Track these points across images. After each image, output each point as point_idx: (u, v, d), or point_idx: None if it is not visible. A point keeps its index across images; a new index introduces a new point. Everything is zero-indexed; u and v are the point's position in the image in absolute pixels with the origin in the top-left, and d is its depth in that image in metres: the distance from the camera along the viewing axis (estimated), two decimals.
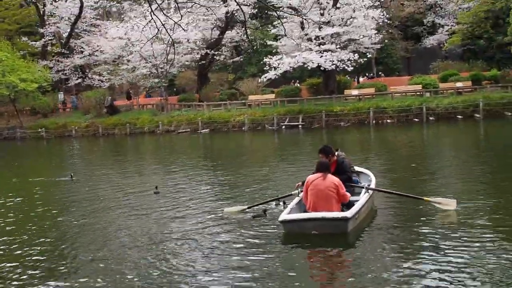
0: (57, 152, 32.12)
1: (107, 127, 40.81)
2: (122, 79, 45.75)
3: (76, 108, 47.66)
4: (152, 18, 9.01)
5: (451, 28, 46.23)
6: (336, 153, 10.53)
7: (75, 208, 12.50)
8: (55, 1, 46.95)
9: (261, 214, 10.32)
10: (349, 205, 9.26)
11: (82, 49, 47.32)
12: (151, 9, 9.01)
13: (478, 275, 6.67)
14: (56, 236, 9.87)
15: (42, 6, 47.70)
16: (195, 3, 33.67)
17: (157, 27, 9.63)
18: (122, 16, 49.27)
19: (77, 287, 7.09)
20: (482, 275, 6.66)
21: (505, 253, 7.34)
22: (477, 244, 7.76)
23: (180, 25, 9.79)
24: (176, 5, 10.33)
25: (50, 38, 49.00)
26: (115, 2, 49.46)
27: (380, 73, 47.52)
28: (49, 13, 48.83)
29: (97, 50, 45.48)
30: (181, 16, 9.99)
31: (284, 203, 10.89)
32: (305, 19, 23.40)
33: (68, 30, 48.16)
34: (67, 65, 47.91)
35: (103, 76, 46.12)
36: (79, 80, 48.42)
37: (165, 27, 9.32)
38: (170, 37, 9.96)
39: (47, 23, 48.31)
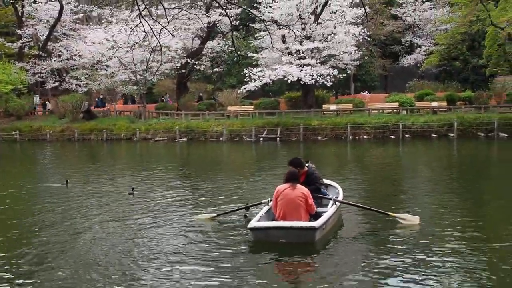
0: (30, 156, 31.74)
1: (83, 132, 40.47)
2: (100, 85, 45.47)
3: (51, 112, 47.27)
4: (140, 22, 9.09)
5: (428, 48, 47.00)
6: (306, 165, 10.70)
7: (41, 215, 12.39)
8: (35, 3, 46.60)
9: (250, 219, 10.50)
10: (316, 216, 9.41)
11: (60, 53, 46.94)
12: (140, 13, 9.09)
13: (438, 285, 6.88)
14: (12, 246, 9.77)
15: (20, 7, 47.22)
16: (182, 9, 33.79)
17: (144, 31, 9.72)
18: (103, 21, 49.07)
19: None
20: (443, 285, 6.86)
21: (466, 266, 7.64)
22: (437, 258, 8.02)
23: (168, 30, 9.92)
24: (164, 12, 10.39)
25: (27, 40, 48.50)
26: (95, 7, 49.15)
27: (364, 91, 48.02)
28: (28, 15, 48.40)
29: (75, 54, 45.14)
30: (168, 22, 10.07)
31: (246, 214, 11.11)
32: (292, 30, 23.60)
33: (47, 32, 47.78)
34: (44, 68, 47.42)
35: (81, 81, 45.75)
36: (56, 84, 47.99)
37: (153, 32, 9.42)
38: (159, 42, 10.11)
39: (25, 24, 47.85)
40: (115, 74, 42.79)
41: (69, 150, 33.76)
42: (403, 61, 50.43)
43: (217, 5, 42.16)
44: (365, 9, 22.26)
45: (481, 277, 7.24)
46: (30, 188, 16.84)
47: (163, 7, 9.73)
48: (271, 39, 13.92)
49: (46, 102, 50.42)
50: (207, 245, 8.97)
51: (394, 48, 51.08)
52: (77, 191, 15.48)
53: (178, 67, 42.63)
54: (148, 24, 8.24)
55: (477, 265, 7.73)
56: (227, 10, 37.88)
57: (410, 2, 48.02)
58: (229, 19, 15.21)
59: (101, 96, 47.39)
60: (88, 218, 11.46)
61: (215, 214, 11.11)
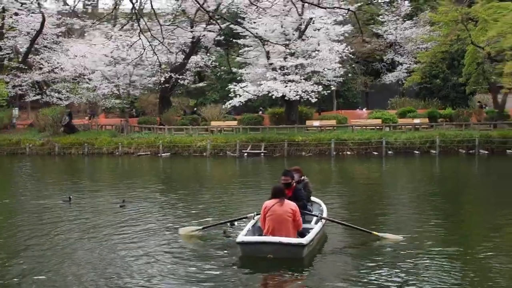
0: (7, 170, 31.27)
1: (63, 146, 39.93)
2: (82, 98, 45.08)
3: (31, 125, 46.66)
4: (139, 38, 9.10)
5: (409, 66, 47.53)
6: (302, 177, 11.09)
7: (21, 229, 12.19)
8: (16, 15, 46.13)
9: (228, 235, 10.45)
10: (301, 232, 9.48)
11: (41, 66, 46.47)
12: (140, 29, 9.08)
13: None
14: None
15: (1, 19, 46.72)
16: (177, 26, 33.71)
17: (143, 47, 9.72)
18: (86, 34, 48.79)
19: None
20: None
21: (447, 282, 7.85)
22: (420, 274, 8.19)
23: (165, 45, 10.05)
24: (160, 28, 10.38)
25: (7, 52, 47.99)
26: (77, 19, 48.75)
27: (359, 107, 48.38)
28: (9, 26, 47.92)
29: (57, 67, 44.73)
30: (163, 38, 10.09)
31: (233, 225, 11.25)
32: (282, 45, 23.84)
33: (27, 45, 47.31)
34: (24, 81, 46.86)
35: (62, 94, 45.30)
36: (38, 97, 47.43)
37: (152, 48, 9.41)
38: (157, 58, 10.17)
39: (6, 36, 47.36)
40: (98, 87, 42.49)
41: (50, 164, 33.35)
42: (384, 78, 50.89)
43: (201, 21, 42.43)
44: (359, 23, 22.31)
45: (462, 285, 7.61)
46: (10, 203, 16.58)
47: (159, 23, 9.68)
48: (267, 53, 13.76)
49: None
50: (192, 260, 8.95)
51: (376, 66, 51.57)
52: (58, 205, 15.26)
53: (161, 81, 42.51)
54: (148, 39, 8.24)
55: (459, 276, 8.06)
56: (216, 26, 38.12)
57: (392, 20, 48.66)
58: (220, 29, 15.18)
59: (68, 110, 46.91)
60: (67, 234, 11.30)
61: (200, 227, 11.12)
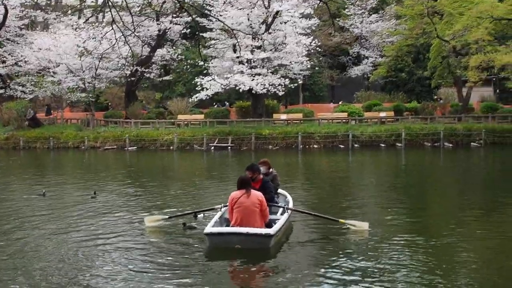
0: None
1: (28, 140, 39.26)
2: (46, 91, 44.35)
3: None
4: (112, 29, 8.97)
5: (375, 60, 48.08)
6: (270, 170, 11.24)
7: None
8: None
9: (191, 226, 10.45)
10: (267, 223, 9.60)
11: (4, 58, 45.54)
12: (113, 19, 8.94)
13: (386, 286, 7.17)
14: None
15: None
16: (148, 16, 33.33)
17: (116, 38, 9.59)
18: (50, 27, 47.92)
19: None
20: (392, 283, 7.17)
21: (412, 268, 8.05)
22: (385, 261, 8.38)
23: (137, 35, 9.91)
24: (132, 19, 10.20)
25: None
26: (41, 12, 47.87)
27: (332, 100, 48.67)
28: None
29: (21, 60, 43.90)
30: (134, 29, 9.95)
31: (196, 217, 11.31)
32: (253, 35, 23.72)
33: None
34: None
35: (26, 88, 44.51)
36: (1, 91, 46.46)
37: (126, 40, 9.29)
38: (131, 49, 10.07)
39: None
40: (63, 81, 41.84)
41: (15, 158, 32.72)
42: (350, 72, 51.38)
43: (168, 12, 42.07)
44: (330, 14, 22.35)
45: (426, 271, 7.82)
46: None
47: (130, 13, 9.56)
48: (234, 46, 13.72)
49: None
50: (159, 252, 8.94)
51: (342, 59, 52.04)
52: (24, 199, 15.03)
53: (127, 75, 42.07)
54: (121, 30, 8.12)
55: (422, 262, 8.28)
56: (182, 19, 37.80)
57: (358, 14, 49.00)
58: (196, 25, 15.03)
59: (47, 104, 46.21)
60: (34, 227, 11.15)
61: (166, 217, 11.20)
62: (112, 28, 9.10)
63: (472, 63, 32.62)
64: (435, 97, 44.87)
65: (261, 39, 34.58)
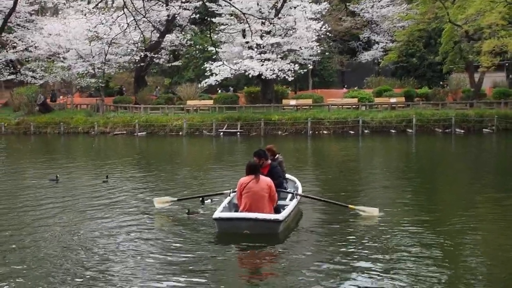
0: None
1: (39, 125, 39.47)
2: (56, 77, 44.44)
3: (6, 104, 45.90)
4: (123, 13, 8.88)
5: (385, 45, 47.61)
6: (276, 156, 11.02)
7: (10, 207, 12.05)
8: None
9: (192, 211, 10.40)
10: (276, 208, 9.54)
11: (15, 44, 45.65)
12: (124, 4, 8.86)
13: (392, 273, 7.10)
14: None
15: None
16: (159, 0, 33.12)
17: (127, 23, 9.48)
18: (60, 13, 47.86)
19: None
20: (396, 273, 7.08)
21: (423, 254, 7.93)
22: (394, 247, 8.29)
23: (150, 21, 9.80)
24: (143, 3, 10.08)
25: None
26: None
27: (345, 85, 48.31)
28: None
29: (31, 46, 44.00)
30: (145, 12, 9.83)
31: (211, 200, 11.35)
32: (264, 19, 23.42)
33: (0, 23, 46.28)
34: None
35: (37, 73, 44.64)
36: (12, 76, 46.64)
37: (137, 24, 9.19)
38: (142, 34, 9.98)
39: None
40: (73, 66, 41.88)
41: (26, 143, 32.86)
42: (360, 57, 50.99)
43: None
44: (344, 3, 22.16)
45: (437, 256, 7.77)
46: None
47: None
48: (244, 31, 13.57)
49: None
50: (168, 238, 8.93)
51: (352, 44, 51.62)
52: (37, 184, 15.09)
53: (136, 60, 42.01)
54: (133, 15, 8.03)
55: (433, 247, 8.19)
56: (191, 3, 37.61)
57: None
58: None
59: (52, 89, 46.27)
60: (47, 212, 11.19)
61: (175, 199, 11.27)
62: (124, 13, 9.03)
63: (485, 48, 32.16)
64: (441, 82, 44.39)
65: (272, 24, 34.31)
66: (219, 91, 44.41)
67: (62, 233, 9.23)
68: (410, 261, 7.57)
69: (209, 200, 11.44)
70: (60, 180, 15.15)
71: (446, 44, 37.94)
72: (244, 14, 9.09)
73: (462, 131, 33.55)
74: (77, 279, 6.90)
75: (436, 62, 42.23)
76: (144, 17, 9.36)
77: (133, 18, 9.05)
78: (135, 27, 9.06)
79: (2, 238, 8.90)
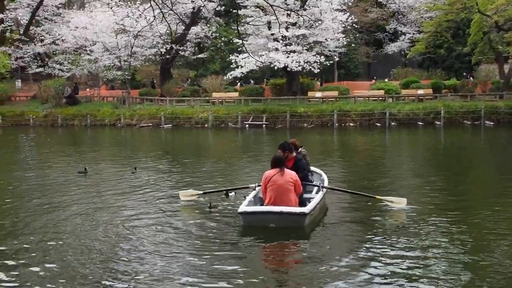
0: (15, 141, 31.22)
1: (66, 117, 39.97)
2: (83, 70, 44.91)
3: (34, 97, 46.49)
4: (150, 6, 8.85)
5: (412, 36, 47.01)
6: (299, 149, 10.81)
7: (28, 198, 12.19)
8: None
9: (214, 205, 10.34)
10: (301, 201, 9.45)
11: (42, 37, 46.21)
12: None
13: (422, 267, 6.99)
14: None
15: None
16: None
17: (154, 16, 9.46)
18: (86, 6, 48.29)
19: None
20: (426, 267, 6.96)
21: (451, 246, 7.83)
22: (423, 239, 8.17)
23: (176, 13, 9.73)
24: None
25: (9, 24, 47.57)
26: None
27: (374, 77, 47.84)
28: None
29: (58, 39, 44.49)
30: (172, 4, 9.76)
31: (227, 195, 11.30)
32: (295, 11, 23.20)
33: (28, 17, 46.87)
34: (26, 53, 46.70)
35: (64, 66, 45.15)
36: (40, 69, 47.25)
37: (164, 17, 9.17)
38: (169, 26, 9.93)
39: (7, 8, 46.91)
40: (99, 59, 42.23)
41: (54, 135, 33.29)
42: (386, 49, 50.46)
43: None
44: None
45: (465, 250, 7.66)
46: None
47: None
48: (279, 23, 13.40)
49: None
50: (194, 232, 8.88)
51: (378, 36, 51.08)
52: (67, 176, 15.25)
53: (162, 53, 42.17)
54: (159, 7, 8.00)
55: (461, 240, 8.07)
56: None
57: None
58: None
59: (75, 82, 46.65)
60: (77, 203, 11.29)
61: (201, 192, 11.23)
62: (151, 5, 8.98)
63: None
64: (464, 74, 43.59)
65: (299, 16, 34.04)
66: (238, 84, 44.33)
67: (96, 226, 9.26)
68: (438, 255, 7.41)
69: (233, 193, 11.40)
70: (89, 173, 15.27)
71: (475, 34, 37.25)
72: (272, 6, 8.96)
73: (492, 123, 32.97)
74: (106, 272, 6.94)
75: (464, 53, 41.57)
76: (171, 9, 9.26)
77: (159, 11, 9.00)
78: (161, 19, 9.00)
79: (37, 233, 8.95)
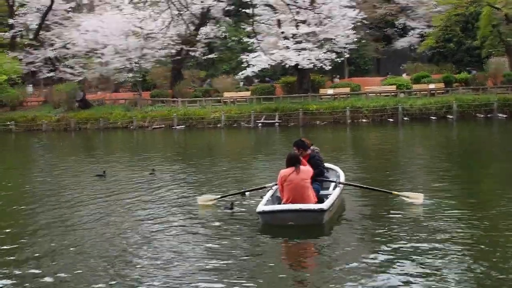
0: (28, 146, 31.48)
1: (79, 121, 40.22)
2: (94, 73, 45.16)
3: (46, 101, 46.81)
4: (169, 7, 8.92)
5: (422, 31, 46.84)
6: (311, 147, 10.71)
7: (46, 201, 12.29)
8: None
9: (229, 207, 10.34)
10: (319, 198, 9.47)
11: (53, 42, 46.48)
12: None
13: (442, 263, 6.92)
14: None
15: None
16: None
17: (171, 16, 9.53)
18: (95, 9, 48.57)
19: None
20: (445, 263, 6.91)
21: (467, 243, 7.71)
22: (441, 235, 8.10)
23: (192, 12, 9.73)
24: None
25: (19, 29, 47.95)
26: None
27: (388, 73, 47.55)
28: (19, 3, 47.82)
29: (68, 43, 44.74)
30: (187, 6, 9.81)
31: (244, 195, 11.27)
32: (309, 9, 23.20)
33: (38, 21, 47.21)
34: (37, 57, 46.94)
35: (75, 69, 45.39)
36: (51, 74, 47.48)
37: (181, 16, 9.24)
38: (187, 26, 9.98)
39: (17, 13, 47.27)
40: (110, 62, 42.44)
41: (68, 140, 33.48)
42: (396, 44, 50.30)
43: None
44: None
45: (484, 244, 7.59)
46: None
47: None
48: (295, 20, 13.49)
49: None
50: (213, 231, 8.92)
51: (387, 31, 50.93)
52: (94, 179, 15.37)
53: (172, 54, 42.33)
54: (177, 8, 8.08)
55: (479, 235, 7.99)
56: None
57: None
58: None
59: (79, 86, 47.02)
60: (96, 206, 11.37)
61: (218, 196, 11.10)
62: (169, 7, 9.04)
63: None
64: (467, 68, 43.23)
65: (313, 12, 34.01)
66: (242, 84, 44.21)
67: (121, 230, 9.26)
68: (455, 250, 7.36)
69: (249, 193, 11.38)
70: (106, 176, 15.30)
71: (485, 28, 37.13)
72: (288, 4, 9.01)
73: (505, 115, 32.82)
74: (126, 270, 7.01)
75: (474, 47, 41.36)
76: (187, 10, 9.32)
77: (177, 12, 9.07)
78: (176, 18, 9.05)
79: (64, 237, 9.05)
